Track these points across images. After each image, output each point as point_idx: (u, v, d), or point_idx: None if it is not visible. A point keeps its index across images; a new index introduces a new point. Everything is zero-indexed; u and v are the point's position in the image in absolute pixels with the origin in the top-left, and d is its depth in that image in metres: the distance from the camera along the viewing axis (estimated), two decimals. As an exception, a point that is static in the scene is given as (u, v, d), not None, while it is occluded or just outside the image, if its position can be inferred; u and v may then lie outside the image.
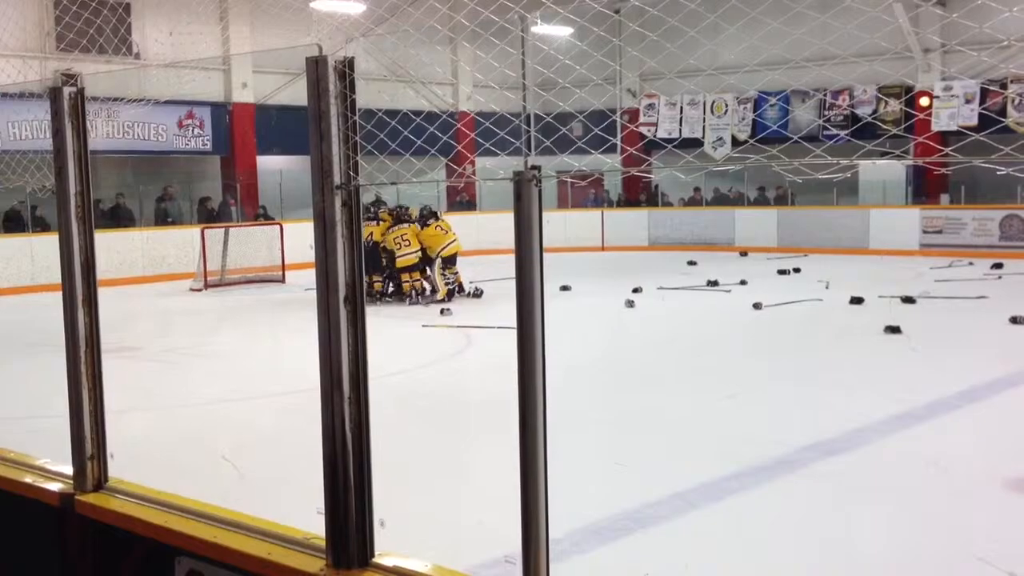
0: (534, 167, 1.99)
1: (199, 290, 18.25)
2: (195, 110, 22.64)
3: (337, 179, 2.31)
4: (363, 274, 2.37)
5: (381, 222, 16.16)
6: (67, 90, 2.96)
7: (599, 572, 5.16)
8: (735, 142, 24.58)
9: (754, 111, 24.68)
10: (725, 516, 5.95)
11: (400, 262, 15.76)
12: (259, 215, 22.84)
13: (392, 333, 12.96)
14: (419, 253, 15.86)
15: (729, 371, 10.08)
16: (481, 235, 23.09)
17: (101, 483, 3.05)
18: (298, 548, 2.55)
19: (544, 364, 2.08)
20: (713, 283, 16.89)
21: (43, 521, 3.07)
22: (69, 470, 3.17)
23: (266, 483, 6.45)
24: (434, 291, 15.88)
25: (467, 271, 18.03)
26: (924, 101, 22.13)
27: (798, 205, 24.14)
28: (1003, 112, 20.93)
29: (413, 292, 15.70)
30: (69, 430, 3.18)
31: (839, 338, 11.87)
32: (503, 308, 14.40)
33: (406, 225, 16.02)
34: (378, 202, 19.83)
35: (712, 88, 24.73)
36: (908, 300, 14.22)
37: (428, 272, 16.09)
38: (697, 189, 25.50)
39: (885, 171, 22.07)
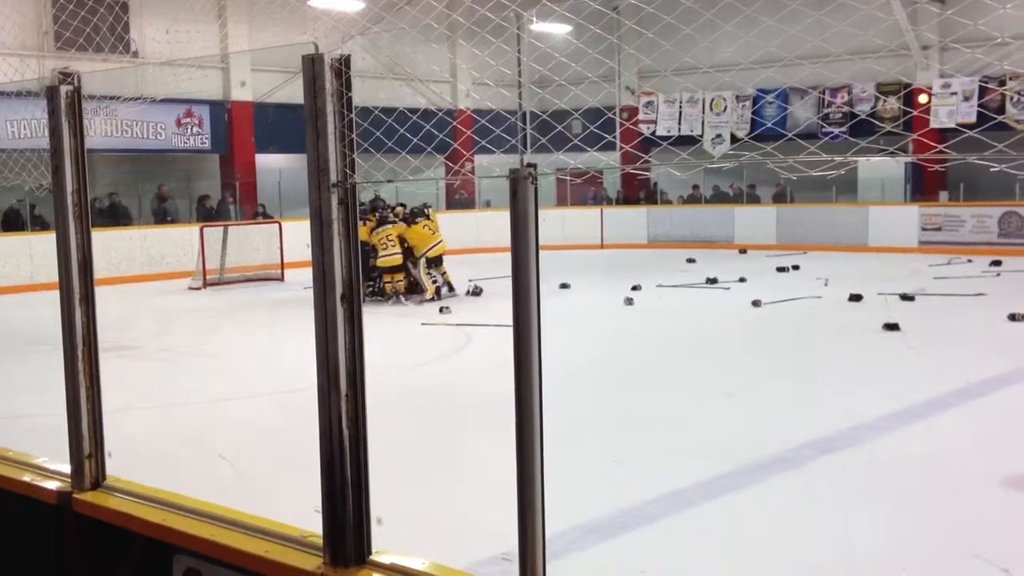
0: (530, 165, 1.99)
1: (198, 289, 18.25)
2: (193, 108, 22.63)
3: (333, 177, 2.31)
4: (360, 273, 2.37)
5: (367, 222, 16.09)
6: (64, 89, 2.96)
7: (596, 570, 5.16)
8: (734, 139, 24.58)
9: (753, 109, 24.68)
10: (723, 514, 5.95)
11: (381, 262, 15.67)
12: (258, 213, 22.84)
13: (391, 331, 12.97)
14: (402, 255, 15.80)
15: (728, 369, 10.09)
16: (481, 233, 23.11)
17: (99, 482, 3.05)
18: (296, 546, 2.55)
19: (540, 362, 2.09)
20: (712, 281, 16.89)
21: (41, 519, 3.07)
22: (66, 468, 3.17)
23: (264, 482, 6.45)
24: (418, 291, 15.84)
25: (467, 269, 18.05)
26: (922, 98, 22.14)
27: (797, 203, 24.15)
28: (1001, 109, 20.92)
29: (395, 293, 15.67)
30: (67, 428, 3.19)
31: (838, 335, 11.88)
32: (502, 306, 14.35)
33: (390, 226, 15.96)
34: (377, 200, 19.85)
35: (711, 86, 24.73)
36: (907, 297, 14.23)
37: (411, 272, 16.01)
38: (696, 187, 25.50)
39: (884, 168, 22.07)
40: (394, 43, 22.69)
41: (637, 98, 26.38)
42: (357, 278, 2.36)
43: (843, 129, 21.70)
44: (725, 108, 25.12)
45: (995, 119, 20.18)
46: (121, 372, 9.31)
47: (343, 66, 2.30)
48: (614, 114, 25.69)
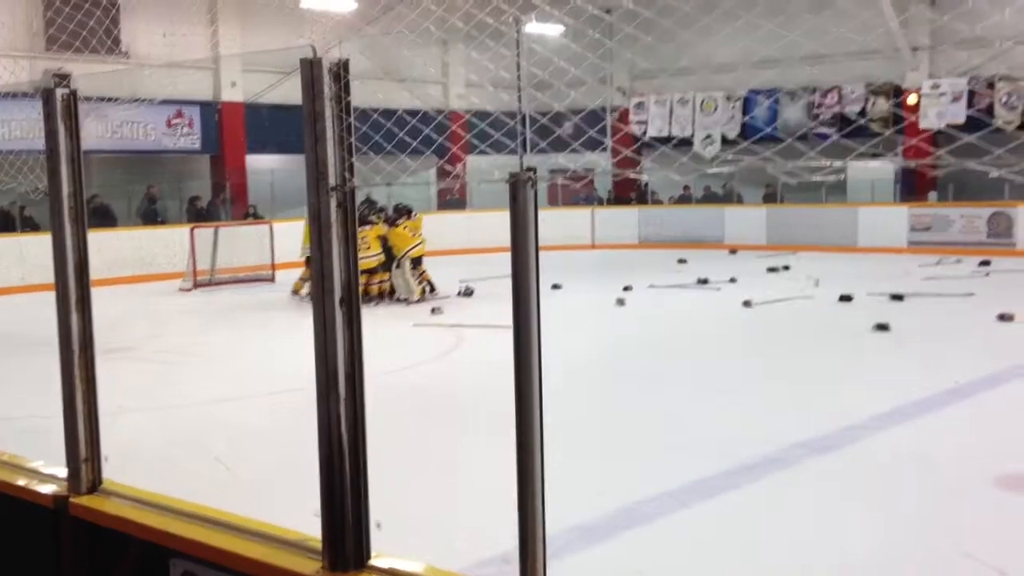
0: (529, 168, 2.00)
1: (188, 290, 18.22)
2: (184, 109, 22.57)
3: (332, 181, 2.31)
4: (358, 275, 2.37)
5: None
6: (60, 91, 2.95)
7: (591, 571, 5.17)
8: (724, 140, 24.63)
9: (744, 110, 24.74)
10: (719, 515, 5.97)
11: (363, 264, 15.58)
12: (248, 214, 22.80)
13: (383, 332, 12.95)
14: (380, 256, 15.75)
15: (720, 369, 10.11)
16: (472, 234, 23.11)
17: (95, 485, 3.04)
18: (294, 550, 2.55)
19: (540, 363, 2.09)
20: (703, 281, 16.92)
21: (37, 523, 3.06)
22: (62, 472, 3.16)
23: (259, 484, 6.45)
24: (393, 293, 15.81)
25: (458, 270, 18.06)
26: (912, 100, 22.21)
27: (787, 203, 24.21)
28: (991, 110, 21.00)
29: (380, 295, 15.66)
30: (63, 431, 3.18)
31: (829, 336, 11.91)
32: (494, 307, 14.40)
33: (368, 227, 15.90)
34: (368, 202, 19.84)
35: (702, 87, 24.79)
36: (897, 297, 14.28)
37: (393, 274, 15.96)
38: (687, 187, 25.55)
39: (874, 170, 22.14)
40: (389, 45, 22.67)
41: (628, 99, 26.41)
42: (356, 281, 2.37)
43: (836, 132, 21.75)
44: (716, 109, 25.17)
45: (986, 121, 20.25)
46: (115, 374, 9.23)
47: (342, 70, 2.30)
48: (606, 115, 25.74)
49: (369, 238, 15.75)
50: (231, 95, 23.50)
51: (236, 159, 23.72)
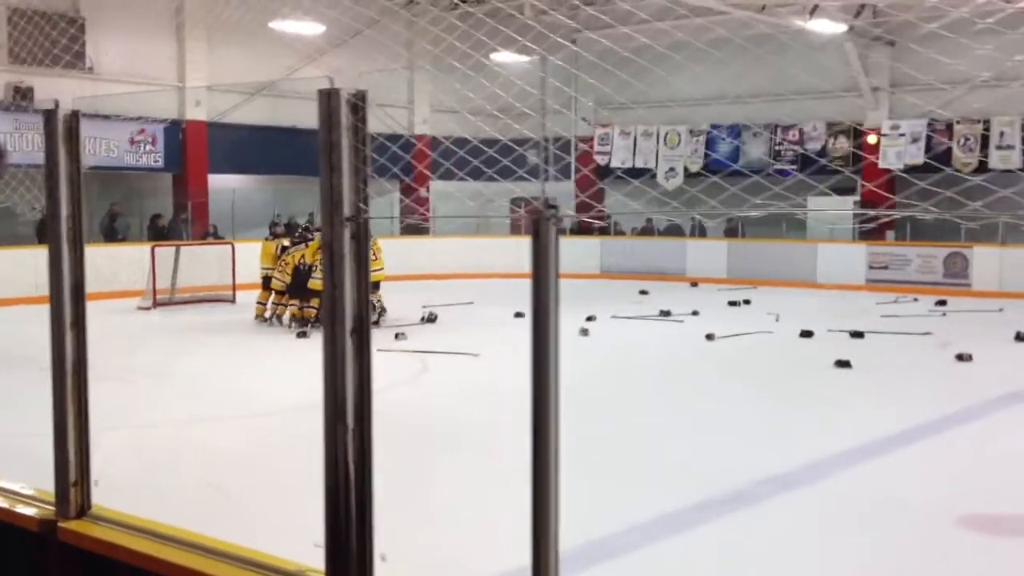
0: (551, 205, 2.02)
1: (147, 309, 18.01)
2: (147, 127, 22.39)
3: (347, 211, 2.31)
4: (370, 306, 2.38)
5: (309, 243, 15.84)
6: (61, 112, 2.94)
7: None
8: (687, 173, 24.90)
9: (707, 145, 25.04)
10: (686, 549, 6.00)
11: (311, 284, 15.18)
12: (209, 234, 22.62)
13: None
14: None
15: (686, 403, 10.16)
16: (434, 259, 23.10)
17: (84, 510, 3.00)
18: (294, 580, 2.53)
19: (558, 400, 2.12)
20: (666, 313, 17.03)
21: (22, 548, 3.01)
22: (42, 494, 3.12)
23: (245, 510, 6.37)
24: None
25: (421, 296, 18.04)
26: (872, 140, 22.61)
27: (748, 238, 24.47)
28: (949, 153, 21.43)
29: None
30: (39, 451, 3.13)
31: (792, 371, 12.04)
32: (458, 334, 14.41)
33: None
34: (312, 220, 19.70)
35: (666, 120, 25.08)
36: (857, 335, 14.46)
37: None
38: (650, 220, 25.74)
39: (833, 207, 22.46)
40: (357, 68, 22.69)
41: (593, 130, 26.61)
42: (367, 312, 2.37)
43: (795, 167, 22.08)
44: (679, 142, 25.44)
45: (945, 162, 20.67)
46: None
47: (359, 101, 2.31)
48: (570, 145, 25.94)
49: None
50: (195, 114, 23.36)
51: (199, 178, 23.54)
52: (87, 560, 2.88)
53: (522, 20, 16.82)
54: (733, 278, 23.21)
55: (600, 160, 26.22)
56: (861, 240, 23.01)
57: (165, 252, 18.85)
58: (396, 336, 14.37)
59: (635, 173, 24.98)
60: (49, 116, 2.93)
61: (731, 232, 24.85)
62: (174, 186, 23.67)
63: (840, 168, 22.28)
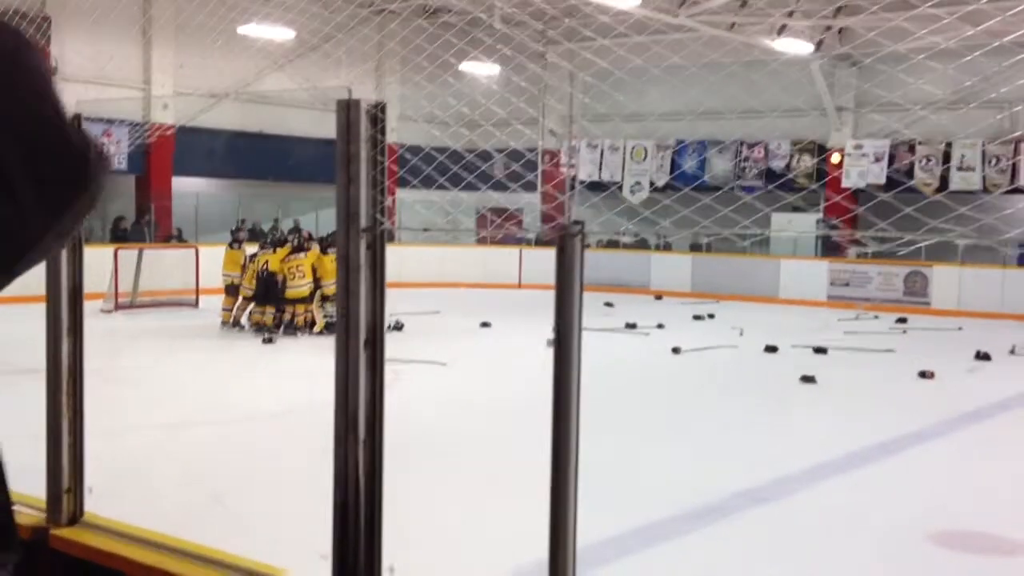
0: (577, 222, 2.03)
1: (109, 311, 17.76)
2: (113, 129, 22.13)
3: (363, 222, 2.31)
4: (384, 318, 2.37)
5: (278, 249, 15.83)
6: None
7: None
8: (653, 188, 25.05)
9: (672, 160, 25.22)
10: (657, 561, 6.02)
11: (289, 293, 15.40)
12: (172, 237, 22.40)
13: (318, 365, 12.82)
14: (311, 285, 15.60)
15: (652, 416, 10.20)
16: (402, 268, 23.01)
17: (76, 517, 2.96)
18: (296, 592, 2.51)
19: (579, 411, 2.13)
20: (632, 326, 17.09)
21: (12, 556, 2.96)
22: (35, 501, 3.07)
23: (233, 517, 6.31)
24: (315, 324, 15.65)
25: (387, 304, 17.93)
26: (836, 158, 22.89)
27: (712, 252, 24.66)
28: (911, 172, 21.75)
29: (307, 324, 15.50)
30: (30, 458, 3.08)
31: (757, 386, 12.12)
32: (426, 343, 14.35)
33: (303, 255, 15.73)
34: (296, 230, 19.66)
35: (632, 135, 25.23)
36: (820, 350, 14.60)
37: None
38: (617, 232, 25.87)
39: (796, 224, 22.73)
40: (323, 74, 22.61)
41: (560, 142, 26.70)
42: (381, 324, 2.36)
43: (760, 183, 22.29)
44: (645, 157, 25.59)
45: (906, 182, 20.97)
46: (41, 396, 9.00)
47: (379, 112, 2.31)
48: (533, 159, 26.00)
49: (304, 266, 15.59)
50: (162, 116, 23.12)
51: (162, 181, 23.29)
52: (79, 568, 2.84)
53: (492, 31, 16.87)
54: (697, 292, 23.36)
55: (567, 172, 26.31)
56: (823, 257, 23.27)
57: (127, 255, 18.64)
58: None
59: (602, 187, 25.10)
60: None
61: (696, 246, 25.02)
62: (137, 188, 23.40)
63: (804, 186, 22.53)
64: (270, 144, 24.29)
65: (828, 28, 21.22)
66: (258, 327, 15.48)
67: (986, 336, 16.13)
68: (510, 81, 19.48)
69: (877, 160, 22.19)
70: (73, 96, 20.49)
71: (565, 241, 2.01)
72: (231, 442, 8.59)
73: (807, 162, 23.38)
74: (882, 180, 21.61)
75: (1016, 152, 21.15)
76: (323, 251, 15.96)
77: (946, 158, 21.50)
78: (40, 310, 2.99)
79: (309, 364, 13.01)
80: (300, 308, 15.52)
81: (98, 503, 3.12)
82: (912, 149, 21.89)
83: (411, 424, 9.54)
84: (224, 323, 16.19)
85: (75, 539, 2.89)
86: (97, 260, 19.67)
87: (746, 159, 24.08)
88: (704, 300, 22.16)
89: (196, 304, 18.83)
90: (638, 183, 25.48)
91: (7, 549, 1.11)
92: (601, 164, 26.11)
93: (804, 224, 22.58)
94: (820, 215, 22.33)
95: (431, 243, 24.73)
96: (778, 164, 23.49)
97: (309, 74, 23.43)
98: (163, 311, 18.21)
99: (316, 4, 20.03)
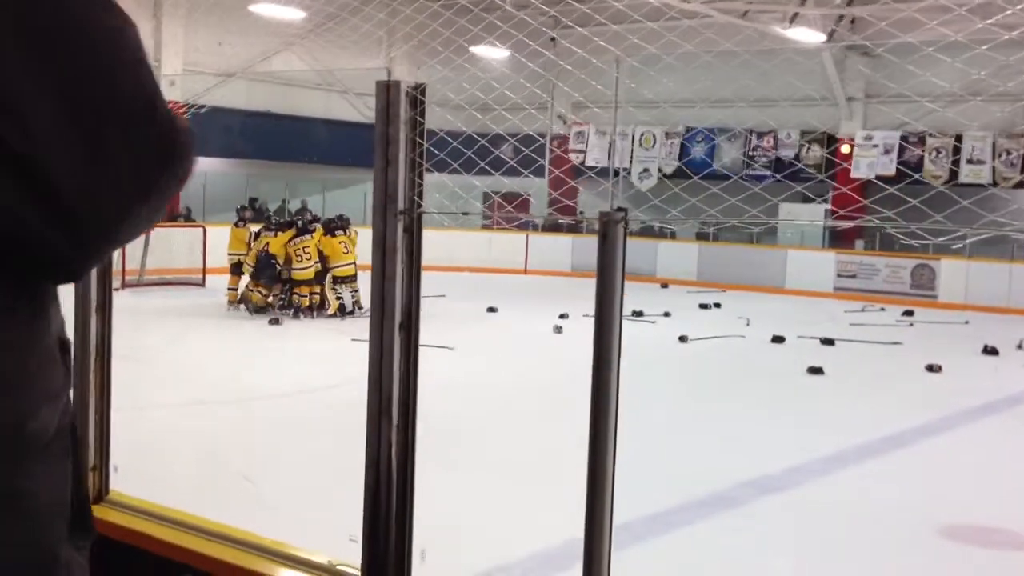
0: (620, 209, 2.02)
1: (116, 290, 17.64)
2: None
3: (401, 205, 2.29)
4: (419, 301, 2.36)
5: (280, 233, 15.87)
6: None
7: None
8: (662, 175, 25.00)
9: (681, 147, 25.15)
10: (668, 549, 6.03)
11: (296, 275, 15.50)
12: (180, 216, 22.38)
13: (320, 347, 12.86)
14: (317, 266, 15.62)
15: (661, 404, 10.18)
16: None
17: (102, 495, 2.95)
18: (324, 575, 2.51)
19: (618, 399, 2.12)
20: (638, 313, 17.07)
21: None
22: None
23: (257, 497, 6.31)
24: (324, 305, 15.73)
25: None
26: (845, 149, 22.82)
27: (719, 241, 24.62)
28: (920, 165, 21.68)
29: (312, 306, 15.56)
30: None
31: (765, 376, 12.11)
32: (431, 326, 14.31)
33: (308, 236, 15.75)
34: (304, 210, 19.66)
35: (642, 121, 25.15)
36: (827, 342, 14.59)
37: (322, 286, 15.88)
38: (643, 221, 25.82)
39: (804, 215, 22.66)
40: (332, 55, 22.57)
41: (569, 128, 26.63)
42: (417, 307, 2.35)
43: (769, 172, 22.22)
44: (654, 144, 25.53)
45: (915, 174, 20.91)
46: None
47: (419, 95, 2.29)
48: (542, 146, 25.92)
49: (310, 248, 15.60)
50: (170, 94, 23.05)
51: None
52: (105, 546, 2.83)
53: (502, 13, 16.77)
54: (703, 281, 23.35)
55: (575, 158, 26.25)
56: (830, 248, 23.23)
57: (135, 233, 18.61)
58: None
59: (605, 172, 25.04)
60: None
61: (702, 235, 24.98)
62: (145, 167, 23.36)
63: (812, 175, 22.46)
64: (279, 124, 24.28)
65: (841, 17, 21.14)
66: (246, 302, 15.63)
67: (993, 330, 16.10)
68: (521, 66, 19.43)
69: (887, 151, 22.12)
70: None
71: (608, 227, 1.99)
72: (250, 422, 8.63)
73: (816, 152, 23.31)
74: (891, 172, 21.54)
75: (1026, 146, 21.08)
76: (329, 233, 15.97)
77: (956, 150, 21.42)
78: (68, 287, 2.97)
79: (320, 345, 13.10)
80: (304, 289, 15.56)
81: (122, 481, 3.12)
82: (922, 141, 21.81)
83: (421, 407, 9.59)
84: (230, 303, 16.23)
85: (101, 517, 2.88)
86: (104, 238, 19.70)
87: (755, 148, 24.02)
88: (710, 289, 22.15)
89: (203, 283, 18.85)
90: (646, 170, 25.43)
91: (85, 532, 1.10)
92: (610, 150, 26.03)
93: (812, 214, 22.52)
94: (828, 206, 22.28)
95: (437, 227, 24.72)
96: (787, 153, 23.42)
97: (318, 55, 23.39)
98: (170, 290, 18.23)
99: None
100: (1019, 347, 14.89)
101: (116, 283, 17.81)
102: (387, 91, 2.29)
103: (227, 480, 6.75)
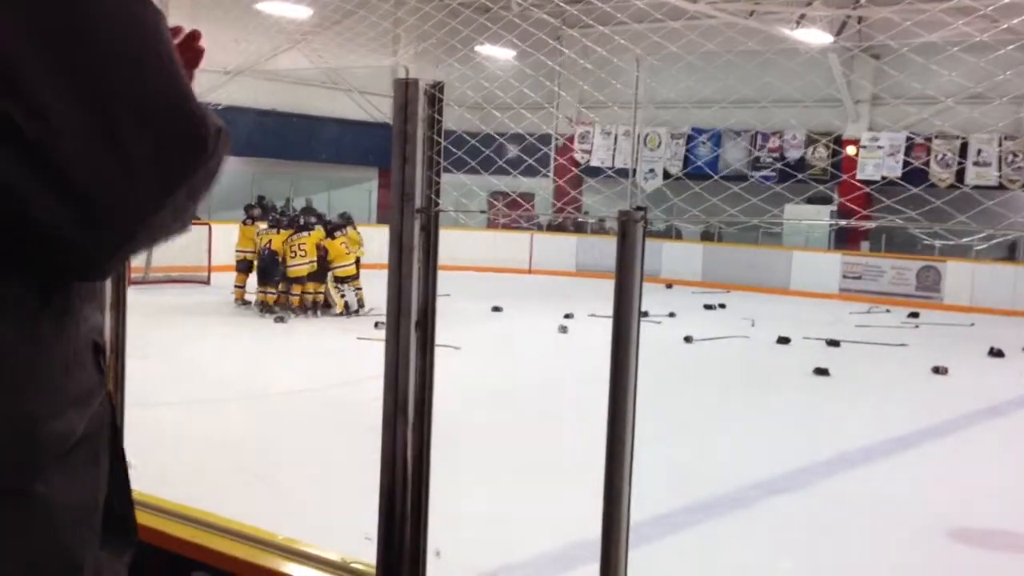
0: (640, 208, 2.01)
1: (122, 287, 17.77)
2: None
3: (418, 203, 2.29)
4: (436, 300, 2.36)
5: (282, 230, 15.89)
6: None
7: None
8: (667, 175, 24.97)
9: (687, 147, 25.13)
10: (676, 550, 6.03)
11: (290, 272, 15.49)
12: (185, 213, 22.36)
13: (327, 345, 12.87)
14: (313, 264, 15.60)
15: (668, 405, 10.15)
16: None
17: (115, 493, 2.95)
18: (339, 573, 2.51)
19: (635, 401, 2.11)
20: (643, 313, 16.93)
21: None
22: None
23: (269, 494, 6.31)
24: (328, 305, 15.76)
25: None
26: (851, 150, 22.79)
27: (724, 242, 24.60)
28: (927, 167, 21.65)
29: (314, 305, 15.59)
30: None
31: (771, 377, 12.10)
32: (437, 326, 14.32)
33: (306, 234, 15.74)
34: (308, 209, 19.67)
35: (647, 121, 25.11)
36: (833, 343, 14.56)
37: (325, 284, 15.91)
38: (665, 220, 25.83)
39: (809, 215, 22.62)
40: (339, 51, 22.55)
41: (573, 127, 26.62)
42: (433, 305, 2.35)
43: (775, 174, 22.19)
44: (659, 144, 25.51)
45: (922, 175, 20.88)
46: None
47: (437, 92, 2.29)
48: (548, 142, 25.90)
49: (307, 245, 15.60)
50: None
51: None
52: (119, 544, 2.84)
53: (507, 15, 16.77)
54: (708, 281, 23.33)
55: (580, 158, 26.24)
56: (836, 249, 23.21)
57: (141, 230, 18.63)
58: (376, 325, 14.30)
59: (616, 173, 25.02)
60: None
61: (707, 235, 24.97)
62: (150, 164, 23.38)
63: (819, 177, 22.45)
64: (285, 122, 24.30)
65: (847, 19, 21.11)
66: (261, 305, 15.61)
67: (999, 333, 16.07)
68: (528, 67, 19.41)
69: (893, 153, 22.09)
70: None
71: (627, 227, 1.98)
72: (260, 419, 8.65)
73: (822, 154, 23.28)
74: (898, 173, 21.52)
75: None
76: (330, 235, 15.97)
77: (963, 152, 21.39)
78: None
79: (327, 343, 13.09)
80: (297, 288, 15.57)
81: (139, 481, 3.11)
82: (929, 142, 21.78)
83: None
84: (237, 300, 16.26)
85: (113, 514, 2.88)
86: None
87: (761, 149, 23.99)
88: (714, 290, 22.13)
89: (208, 281, 18.86)
90: (651, 171, 25.41)
91: (124, 539, 1.08)
92: (615, 150, 26.04)
93: (818, 216, 22.47)
94: (834, 207, 22.24)
95: (441, 226, 24.72)
96: (793, 155, 23.40)
97: (324, 53, 23.38)
98: (175, 287, 18.24)
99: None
100: (1025, 350, 14.87)
101: (122, 280, 17.93)
102: (405, 88, 2.28)
103: (239, 477, 6.75)
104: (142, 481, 3.16)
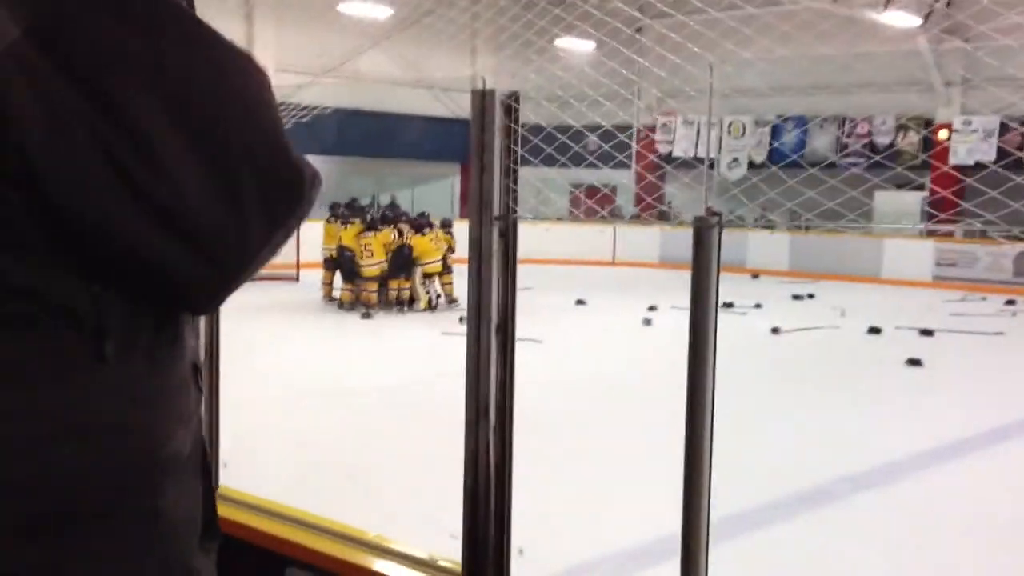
0: (715, 213, 2.03)
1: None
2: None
3: (496, 211, 2.34)
4: (515, 304, 2.41)
5: (350, 225, 16.16)
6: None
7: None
8: (751, 164, 24.66)
9: (772, 136, 24.78)
10: (761, 546, 5.99)
11: (363, 271, 15.80)
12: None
13: (411, 341, 13.04)
14: (383, 265, 15.82)
15: (754, 397, 10.06)
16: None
17: (211, 491, 3.07)
18: (427, 570, 2.58)
19: (713, 402, 2.14)
20: (728, 305, 16.88)
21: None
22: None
23: (360, 491, 6.46)
24: (413, 301, 16.01)
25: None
26: (943, 134, 22.23)
27: (812, 231, 24.18)
28: (1021, 149, 21.00)
29: (399, 301, 15.87)
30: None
31: (861, 368, 11.90)
32: (519, 320, 14.37)
33: (371, 234, 15.98)
34: (393, 205, 19.95)
35: (731, 110, 24.83)
36: (926, 332, 14.25)
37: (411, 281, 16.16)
38: (709, 209, 25.54)
39: (901, 202, 22.13)
40: (419, 50, 22.79)
41: (655, 118, 26.44)
42: (513, 309, 2.40)
43: (863, 160, 21.77)
44: (743, 133, 25.20)
45: (1016, 159, 20.26)
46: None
47: (513, 102, 2.33)
48: (629, 135, 25.75)
49: (373, 245, 15.84)
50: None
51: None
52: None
53: (584, 5, 16.69)
54: (795, 271, 22.99)
55: (662, 149, 26.07)
56: (928, 236, 22.67)
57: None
58: (460, 320, 14.43)
59: (698, 162, 24.79)
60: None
61: (794, 224, 24.56)
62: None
63: (910, 163, 21.94)
64: (367, 120, 24.61)
65: (936, 1, 20.57)
66: (340, 302, 16.04)
67: (1102, 320, 15.58)
68: (607, 59, 19.34)
69: (987, 137, 21.49)
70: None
71: (702, 234, 2.01)
72: (349, 416, 8.80)
73: (913, 139, 22.76)
74: (991, 157, 20.91)
75: None
76: (419, 232, 16.21)
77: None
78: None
79: (413, 340, 13.25)
80: (393, 284, 15.85)
81: (227, 476, 3.23)
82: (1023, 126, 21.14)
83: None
84: (325, 297, 16.60)
85: (210, 512, 2.99)
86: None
87: (849, 135, 23.54)
88: (802, 280, 21.80)
89: (297, 278, 19.21)
90: (735, 159, 25.12)
91: (212, 536, 1.16)
92: (697, 140, 25.80)
93: (908, 201, 21.97)
94: (925, 194, 21.72)
95: (521, 220, 24.80)
96: (882, 140, 22.91)
97: (405, 52, 23.63)
98: (264, 284, 18.59)
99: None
100: None
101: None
102: (482, 99, 2.34)
103: (329, 474, 6.90)
104: (235, 479, 3.28)
